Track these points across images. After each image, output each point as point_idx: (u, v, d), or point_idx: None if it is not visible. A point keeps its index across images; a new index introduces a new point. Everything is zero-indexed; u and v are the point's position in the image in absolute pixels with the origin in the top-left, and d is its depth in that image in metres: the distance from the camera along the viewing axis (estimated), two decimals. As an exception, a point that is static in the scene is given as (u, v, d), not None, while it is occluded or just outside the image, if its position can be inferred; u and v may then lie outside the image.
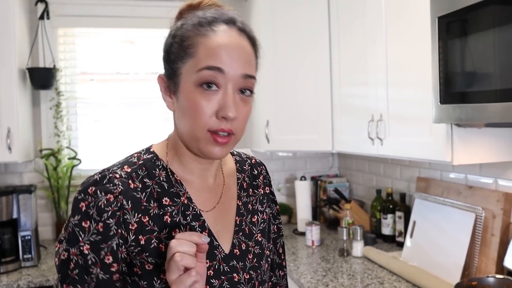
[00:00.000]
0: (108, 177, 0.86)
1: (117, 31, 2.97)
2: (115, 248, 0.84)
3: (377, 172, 2.76)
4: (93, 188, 0.85)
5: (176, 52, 0.87)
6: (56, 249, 0.88)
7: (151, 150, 0.95)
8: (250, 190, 1.04)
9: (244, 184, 1.04)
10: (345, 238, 2.27)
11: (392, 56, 1.93)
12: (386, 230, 2.44)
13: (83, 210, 0.84)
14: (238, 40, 0.86)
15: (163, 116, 3.02)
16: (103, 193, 0.84)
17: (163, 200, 0.89)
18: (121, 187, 0.85)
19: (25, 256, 2.30)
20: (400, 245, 2.29)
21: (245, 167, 1.07)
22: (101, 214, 0.83)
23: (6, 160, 2.38)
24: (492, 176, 1.87)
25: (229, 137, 0.86)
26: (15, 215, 2.29)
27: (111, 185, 0.85)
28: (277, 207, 1.12)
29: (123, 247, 0.85)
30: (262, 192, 1.07)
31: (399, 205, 2.39)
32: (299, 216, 2.78)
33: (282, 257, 1.14)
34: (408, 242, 2.14)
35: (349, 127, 2.34)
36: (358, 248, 2.24)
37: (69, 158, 2.80)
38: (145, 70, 2.99)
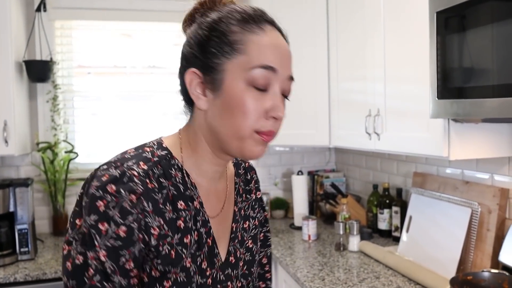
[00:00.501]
0: (128, 174, 0.79)
1: (115, 24, 2.96)
2: (137, 254, 0.78)
3: (374, 167, 2.76)
4: (114, 186, 0.77)
5: (218, 46, 0.81)
6: (65, 252, 0.79)
7: (164, 145, 0.88)
8: (244, 195, 1.02)
9: (240, 189, 1.01)
10: (341, 232, 2.28)
11: (390, 51, 1.93)
12: (383, 225, 2.45)
13: (101, 210, 0.76)
14: (283, 42, 0.86)
15: (160, 110, 3.01)
16: (126, 192, 0.77)
17: (178, 204, 0.84)
18: (141, 186, 0.79)
19: (21, 250, 2.30)
20: (396, 240, 2.30)
21: (240, 171, 1.04)
22: (124, 216, 0.76)
23: (3, 153, 2.37)
24: (488, 172, 1.88)
25: (271, 137, 0.84)
26: (11, 209, 2.29)
27: (133, 183, 0.78)
28: (266, 213, 1.10)
29: (143, 252, 0.80)
30: (254, 197, 1.05)
31: (396, 200, 2.40)
32: (296, 211, 2.79)
33: (266, 269, 1.10)
34: (404, 236, 2.15)
35: (346, 122, 2.34)
36: (354, 242, 2.25)
37: (66, 152, 2.79)
38: (142, 64, 2.98)
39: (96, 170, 0.83)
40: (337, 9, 2.38)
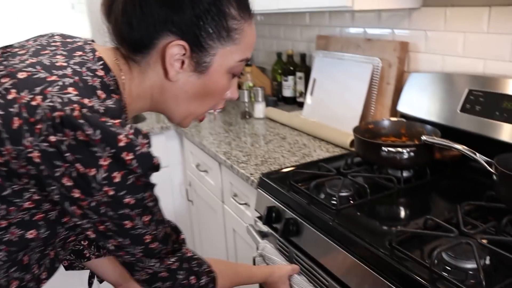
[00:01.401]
0: None
1: None
2: None
3: (277, 35, 2.68)
4: None
5: (216, 28, 0.76)
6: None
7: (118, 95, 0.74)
8: None
9: None
10: (246, 100, 2.23)
11: None
12: (287, 92, 2.44)
13: None
14: None
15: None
16: None
17: None
18: None
19: None
20: (301, 105, 2.30)
21: None
22: None
23: None
24: (389, 27, 1.86)
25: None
26: None
27: None
28: None
29: None
30: None
31: (300, 66, 2.36)
32: (200, 85, 2.68)
33: None
34: (308, 100, 2.15)
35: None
36: (260, 109, 2.22)
37: None
38: None
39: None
40: None
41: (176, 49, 0.75)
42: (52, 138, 0.63)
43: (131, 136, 0.66)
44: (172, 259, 0.82)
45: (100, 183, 0.65)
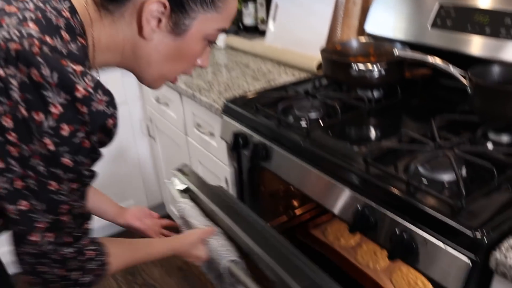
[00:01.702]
0: None
1: None
2: None
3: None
4: None
5: None
6: None
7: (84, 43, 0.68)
8: None
9: None
10: (206, 28, 2.11)
11: None
12: (248, 20, 2.32)
13: None
14: None
15: None
16: None
17: None
18: None
19: None
20: (263, 34, 2.20)
21: None
22: None
23: None
24: None
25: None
26: None
27: None
28: None
29: None
30: None
31: (260, -9, 2.24)
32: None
33: None
34: (271, 26, 2.05)
35: None
36: (220, 38, 2.11)
37: None
38: None
39: None
40: None
41: (155, 5, 0.69)
42: (2, 72, 0.57)
43: (89, 89, 0.61)
44: (68, 250, 0.73)
45: (43, 132, 0.59)
